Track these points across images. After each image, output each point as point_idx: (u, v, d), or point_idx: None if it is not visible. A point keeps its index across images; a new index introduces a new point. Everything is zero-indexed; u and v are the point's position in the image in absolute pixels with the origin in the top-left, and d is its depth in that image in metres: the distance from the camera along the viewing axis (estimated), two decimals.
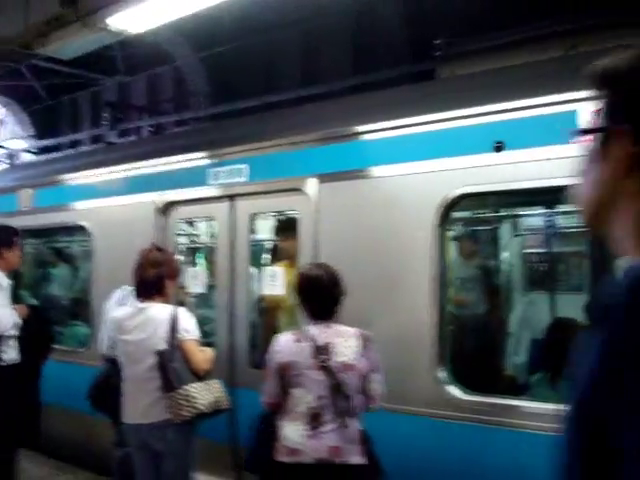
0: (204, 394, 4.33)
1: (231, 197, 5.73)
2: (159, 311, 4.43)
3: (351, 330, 3.87)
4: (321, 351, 3.73)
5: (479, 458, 4.19)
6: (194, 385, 4.31)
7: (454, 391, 4.32)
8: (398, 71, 8.28)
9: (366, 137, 4.87)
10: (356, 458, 3.76)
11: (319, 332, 3.81)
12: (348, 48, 10.79)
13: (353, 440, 3.77)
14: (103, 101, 14.96)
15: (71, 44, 6.18)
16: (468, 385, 4.36)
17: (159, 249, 4.74)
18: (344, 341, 3.81)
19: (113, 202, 6.81)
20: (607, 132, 1.18)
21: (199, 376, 4.40)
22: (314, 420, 3.71)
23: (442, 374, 4.36)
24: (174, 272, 4.71)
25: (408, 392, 4.49)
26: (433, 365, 4.37)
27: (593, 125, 1.22)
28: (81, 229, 7.26)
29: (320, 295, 3.92)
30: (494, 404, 4.19)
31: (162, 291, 4.54)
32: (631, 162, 1.14)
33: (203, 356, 4.51)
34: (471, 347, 5.13)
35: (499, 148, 4.17)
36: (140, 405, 4.38)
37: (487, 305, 5.90)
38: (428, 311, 4.39)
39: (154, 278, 4.49)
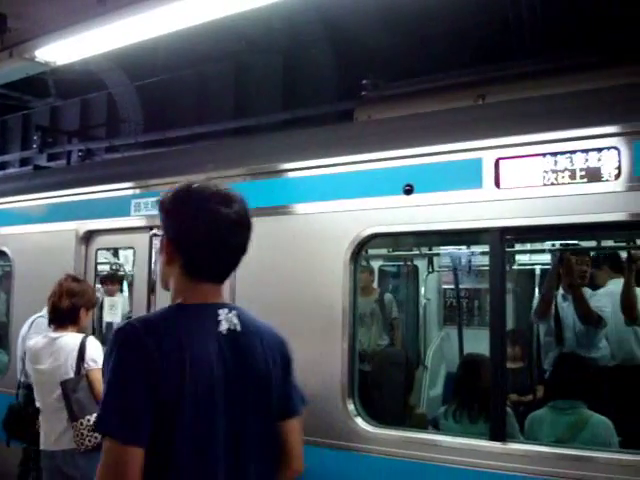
0: None
1: (152, 228, 5.80)
2: (69, 340, 4.48)
3: None
4: None
5: None
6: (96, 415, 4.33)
7: (362, 424, 4.45)
8: (321, 110, 8.46)
9: (286, 175, 5.02)
10: None
11: None
12: (279, 84, 10.97)
13: None
14: (34, 124, 14.81)
15: None
16: (376, 418, 4.50)
17: (75, 279, 4.78)
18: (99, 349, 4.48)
19: (35, 229, 6.78)
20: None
21: None
22: None
23: (351, 407, 4.49)
24: (90, 302, 4.75)
25: (318, 423, 4.60)
26: (343, 398, 4.50)
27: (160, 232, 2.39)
28: (2, 254, 7.19)
29: None
30: (401, 437, 4.33)
31: (76, 321, 4.59)
32: (170, 257, 2.28)
33: None
34: (380, 380, 5.27)
35: (409, 191, 4.37)
36: (53, 432, 4.42)
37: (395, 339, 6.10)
38: (339, 344, 4.53)
39: (68, 308, 4.53)
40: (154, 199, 5.70)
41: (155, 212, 5.56)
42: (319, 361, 4.65)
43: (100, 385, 4.40)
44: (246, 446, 2.19)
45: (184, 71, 11.35)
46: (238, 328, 2.28)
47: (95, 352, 4.52)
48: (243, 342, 2.26)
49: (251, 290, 5.01)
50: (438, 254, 6.94)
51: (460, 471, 4.01)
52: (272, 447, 2.31)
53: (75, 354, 4.43)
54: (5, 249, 7.06)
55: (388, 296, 6.81)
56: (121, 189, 6.07)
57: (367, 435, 4.40)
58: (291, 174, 4.98)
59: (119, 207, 5.97)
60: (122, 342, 2.07)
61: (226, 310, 2.30)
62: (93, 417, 4.28)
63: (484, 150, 4.16)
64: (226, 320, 2.26)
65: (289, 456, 2.37)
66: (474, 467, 3.97)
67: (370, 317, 6.06)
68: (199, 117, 12.04)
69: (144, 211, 5.80)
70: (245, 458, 2.19)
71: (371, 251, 5.99)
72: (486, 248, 4.48)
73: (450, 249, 6.62)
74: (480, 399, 4.58)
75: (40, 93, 15.00)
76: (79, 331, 4.60)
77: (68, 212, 6.41)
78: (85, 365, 4.44)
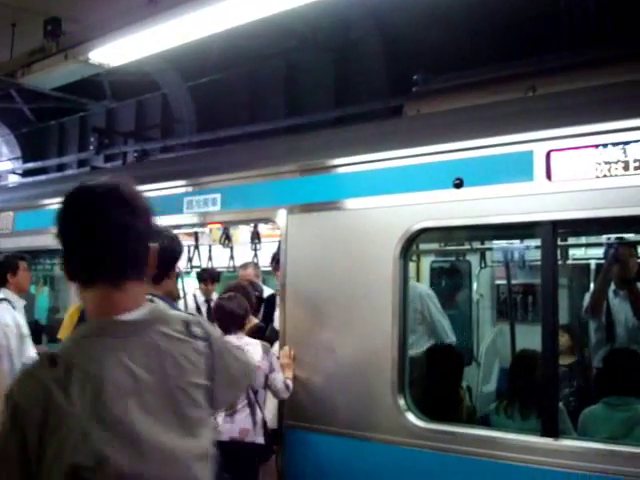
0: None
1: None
2: None
3: (255, 341, 5.06)
4: None
5: None
6: None
7: (413, 419, 4.45)
8: (371, 106, 8.46)
9: (336, 170, 5.04)
10: (260, 439, 4.89)
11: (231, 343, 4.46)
12: (329, 81, 11.01)
13: (258, 425, 4.90)
14: (90, 126, 15.11)
15: (53, 75, 6.35)
16: (427, 413, 4.50)
17: None
18: (252, 348, 4.87)
19: None
20: None
21: None
22: (230, 407, 4.78)
23: (401, 402, 4.50)
24: None
25: (369, 419, 4.62)
26: (393, 392, 4.51)
27: None
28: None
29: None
30: (452, 432, 4.31)
31: None
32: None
33: None
34: (431, 375, 5.26)
35: (459, 185, 4.35)
36: None
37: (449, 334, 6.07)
38: (389, 340, 4.54)
39: None
40: (207, 196, 5.78)
41: (208, 209, 5.71)
42: (369, 357, 4.67)
43: None
44: None
45: (236, 70, 11.45)
46: None
47: None
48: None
49: (301, 286, 5.07)
50: (490, 249, 6.87)
51: (512, 467, 3.98)
52: None
53: None
54: None
55: (440, 291, 6.77)
56: (174, 187, 6.17)
57: (418, 430, 4.39)
58: (341, 170, 4.99)
59: (173, 205, 6.07)
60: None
61: None
62: None
63: (535, 142, 4.10)
64: None
65: None
66: (526, 463, 3.93)
67: (421, 313, 6.03)
68: (251, 116, 12.15)
69: (197, 208, 5.88)
70: None
71: (422, 246, 5.96)
72: (538, 242, 4.42)
73: (502, 243, 6.56)
74: (532, 395, 4.53)
75: (96, 95, 15.29)
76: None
77: None
78: None
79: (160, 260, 2.15)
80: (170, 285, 3.33)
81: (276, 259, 5.89)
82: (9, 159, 18.01)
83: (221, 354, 2.16)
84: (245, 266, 7.92)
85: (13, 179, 13.54)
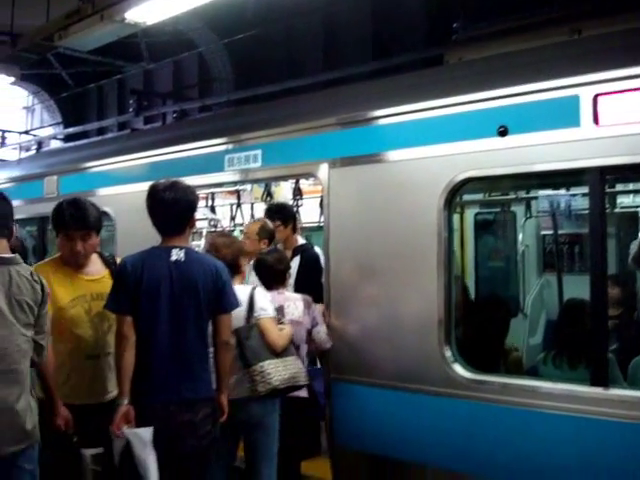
0: (279, 370, 4.50)
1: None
2: (240, 292, 4.56)
3: (296, 295, 5.12)
4: (277, 311, 4.82)
5: (485, 436, 4.31)
6: (269, 362, 4.48)
7: (460, 370, 4.44)
8: (410, 57, 8.31)
9: (377, 122, 4.97)
10: (303, 393, 4.90)
11: (272, 298, 4.86)
12: (367, 33, 10.85)
13: None
14: (128, 88, 15.18)
15: (90, 36, 6.35)
16: (473, 364, 4.48)
17: (222, 234, 4.98)
18: (292, 303, 5.00)
19: (135, 188, 6.96)
20: None
21: (276, 353, 4.56)
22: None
23: (448, 353, 4.48)
24: (244, 251, 4.94)
25: (415, 371, 4.63)
26: (440, 344, 4.49)
27: None
28: (105, 215, 7.43)
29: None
30: (500, 383, 4.30)
31: (239, 270, 4.77)
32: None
33: (279, 333, 4.66)
34: (478, 327, 5.22)
35: (503, 133, 4.26)
36: (230, 382, 4.42)
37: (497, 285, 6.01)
38: (435, 291, 4.51)
39: (230, 260, 4.62)
40: (248, 153, 5.77)
41: (249, 166, 5.70)
42: (415, 309, 4.66)
43: (271, 333, 4.58)
44: (182, 319, 3.91)
45: (272, 26, 11.34)
46: (182, 259, 3.94)
47: (264, 301, 4.68)
48: (184, 266, 3.93)
49: (343, 240, 5.05)
50: (536, 198, 6.77)
51: (560, 417, 3.97)
52: (201, 323, 3.99)
53: (245, 305, 4.55)
54: (108, 209, 7.30)
55: (485, 243, 6.72)
56: (215, 145, 6.16)
57: (465, 382, 4.39)
58: (382, 121, 4.91)
59: (214, 163, 6.08)
60: (117, 269, 4.10)
61: (177, 249, 3.97)
62: (266, 364, 4.47)
63: (581, 87, 3.99)
64: (176, 255, 3.94)
65: (219, 333, 4.07)
66: (574, 413, 3.91)
67: (467, 263, 5.99)
68: (289, 71, 12.06)
69: (238, 166, 5.88)
70: (182, 324, 3.91)
71: (466, 197, 5.89)
72: (585, 190, 4.32)
73: (548, 192, 6.45)
74: (581, 345, 4.48)
75: (133, 58, 15.32)
76: (242, 280, 4.82)
77: (164, 170, 6.55)
78: (255, 314, 4.59)
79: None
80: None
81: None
82: (50, 125, 18.21)
83: (46, 295, 3.66)
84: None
85: (55, 144, 13.67)
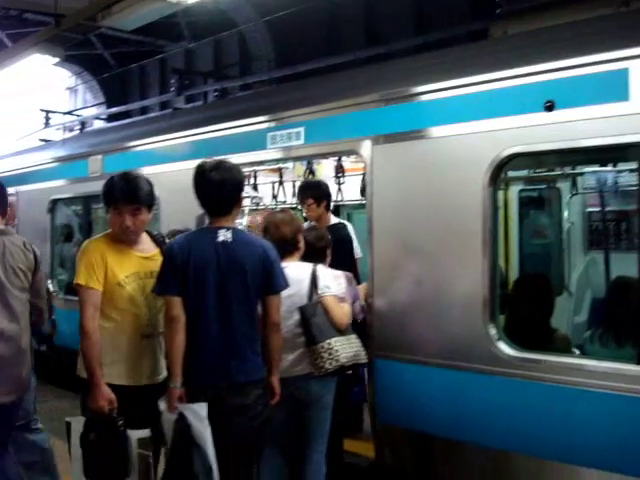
0: (345, 348, 4.52)
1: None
2: (300, 269, 4.59)
3: (338, 272, 4.92)
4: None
5: (528, 414, 4.29)
6: (335, 339, 4.49)
7: (505, 348, 4.41)
8: (454, 32, 8.20)
9: (420, 98, 4.92)
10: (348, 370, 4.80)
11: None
12: (409, 9, 10.73)
13: None
14: (170, 68, 15.26)
15: (132, 16, 6.39)
16: (518, 342, 4.45)
17: (281, 210, 4.99)
18: (335, 278, 4.80)
19: (178, 167, 7.02)
20: None
21: (340, 330, 4.57)
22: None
23: (493, 331, 4.46)
24: (302, 227, 4.92)
25: (459, 349, 4.61)
26: (484, 322, 4.47)
27: None
28: None
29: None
30: (546, 361, 4.25)
31: (298, 247, 4.73)
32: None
33: (343, 311, 4.66)
34: (523, 305, 5.17)
35: (550, 107, 4.19)
36: (286, 360, 4.45)
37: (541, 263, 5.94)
38: (480, 269, 4.47)
39: (290, 237, 4.65)
40: (290, 131, 5.76)
41: (292, 143, 5.70)
42: (459, 287, 4.63)
43: (336, 310, 4.58)
44: (230, 300, 3.88)
45: (313, 3, 11.26)
46: (229, 239, 3.91)
47: (328, 279, 4.66)
48: (231, 247, 3.91)
49: (387, 217, 5.04)
50: (582, 174, 6.65)
51: (606, 395, 3.92)
52: (249, 305, 3.96)
53: (307, 282, 4.56)
54: None
55: (530, 220, 6.63)
56: (257, 123, 6.17)
57: (509, 359, 4.36)
58: (425, 97, 4.86)
59: (256, 141, 6.09)
60: (165, 251, 4.03)
61: (224, 230, 3.93)
62: (333, 341, 4.47)
63: (631, 60, 3.89)
64: (223, 235, 3.91)
65: (268, 314, 4.04)
66: (621, 391, 3.86)
67: (511, 241, 5.92)
68: (330, 48, 11.99)
69: (280, 143, 5.88)
70: (230, 305, 3.89)
71: (511, 174, 5.80)
72: (633, 165, 4.24)
73: (595, 168, 6.33)
74: (628, 323, 4.42)
75: (174, 37, 15.37)
76: (300, 257, 4.75)
77: (207, 148, 6.58)
78: (319, 291, 4.57)
79: None
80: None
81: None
82: (93, 105, 18.41)
83: (39, 263, 4.33)
84: None
85: (98, 124, 13.82)
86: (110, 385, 3.84)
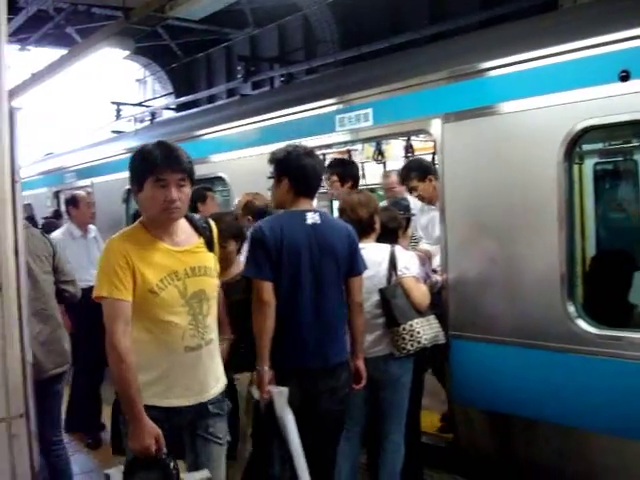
0: (426, 329, 4.55)
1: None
2: (377, 251, 4.59)
3: (411, 252, 4.94)
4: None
5: (608, 393, 4.21)
6: (417, 320, 4.52)
7: (584, 325, 4.34)
8: (521, 5, 8.03)
9: (489, 74, 4.83)
10: None
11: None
12: None
13: None
14: (235, 55, 15.38)
15: (199, 5, 6.46)
16: (598, 319, 4.36)
17: (357, 192, 4.99)
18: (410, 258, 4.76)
19: (248, 153, 7.09)
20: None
21: (420, 312, 4.59)
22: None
23: (571, 308, 4.38)
24: (378, 208, 4.85)
25: (537, 327, 4.54)
26: (562, 299, 4.39)
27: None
28: (220, 180, 7.64)
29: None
30: (627, 338, 4.16)
31: (374, 228, 4.68)
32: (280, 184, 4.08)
33: (423, 292, 4.67)
34: (601, 281, 5.06)
35: (625, 77, 4.07)
36: (366, 341, 4.41)
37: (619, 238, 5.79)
38: (556, 245, 4.40)
39: (366, 218, 4.61)
40: (359, 112, 5.75)
41: (360, 125, 5.69)
42: (536, 265, 4.56)
43: (416, 292, 4.59)
44: (323, 283, 3.95)
45: None
46: (318, 222, 3.99)
47: (407, 260, 4.66)
48: (321, 230, 3.98)
49: (459, 195, 4.99)
50: None
51: None
52: (339, 286, 4.06)
53: (386, 264, 4.57)
54: (222, 174, 7.47)
55: (606, 194, 6.46)
56: (324, 106, 6.17)
57: (589, 337, 4.28)
58: (495, 72, 4.77)
59: (324, 124, 6.09)
60: (254, 235, 4.01)
61: (312, 213, 4.02)
62: (415, 322, 4.50)
63: None
64: (311, 218, 3.98)
65: (351, 294, 4.11)
66: None
67: (587, 216, 5.78)
68: (394, 28, 11.90)
69: (349, 125, 5.87)
70: (323, 288, 3.95)
71: (585, 147, 5.66)
72: None
73: None
74: None
75: (239, 24, 15.45)
76: (376, 238, 4.71)
77: (276, 134, 6.62)
78: (399, 273, 4.57)
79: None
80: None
81: None
82: (162, 95, 18.72)
83: (55, 247, 4.84)
84: (388, 174, 7.23)
85: (167, 114, 14.06)
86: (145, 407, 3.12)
